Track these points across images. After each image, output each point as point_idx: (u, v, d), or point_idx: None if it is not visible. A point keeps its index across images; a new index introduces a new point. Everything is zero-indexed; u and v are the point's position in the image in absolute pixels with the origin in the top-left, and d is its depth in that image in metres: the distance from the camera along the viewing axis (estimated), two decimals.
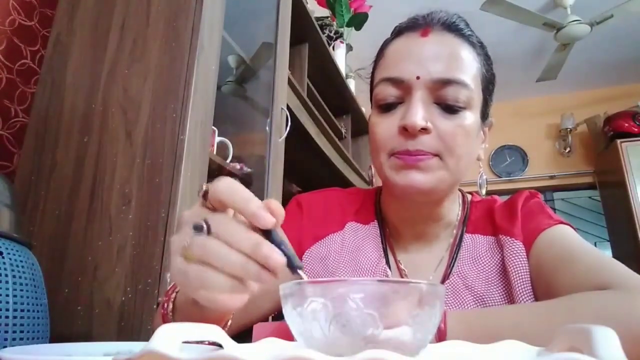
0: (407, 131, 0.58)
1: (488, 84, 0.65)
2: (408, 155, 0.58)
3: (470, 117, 0.60)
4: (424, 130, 0.58)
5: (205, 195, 0.36)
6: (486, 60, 0.65)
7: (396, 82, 0.60)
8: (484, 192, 0.72)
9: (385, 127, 0.61)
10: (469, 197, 0.74)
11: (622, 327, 0.32)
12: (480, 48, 0.64)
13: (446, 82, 0.58)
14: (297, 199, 0.77)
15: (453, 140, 0.58)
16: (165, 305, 0.50)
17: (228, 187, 0.34)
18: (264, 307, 0.66)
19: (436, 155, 0.59)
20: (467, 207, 0.72)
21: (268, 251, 0.32)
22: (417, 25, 0.63)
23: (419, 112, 0.57)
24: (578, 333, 0.28)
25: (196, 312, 0.43)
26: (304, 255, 0.71)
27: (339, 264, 0.69)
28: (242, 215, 0.34)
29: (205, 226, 0.34)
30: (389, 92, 0.61)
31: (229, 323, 0.50)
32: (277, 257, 0.32)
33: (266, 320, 0.69)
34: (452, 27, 0.63)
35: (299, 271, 0.35)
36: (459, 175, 0.62)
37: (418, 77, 0.59)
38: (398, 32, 0.66)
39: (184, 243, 0.35)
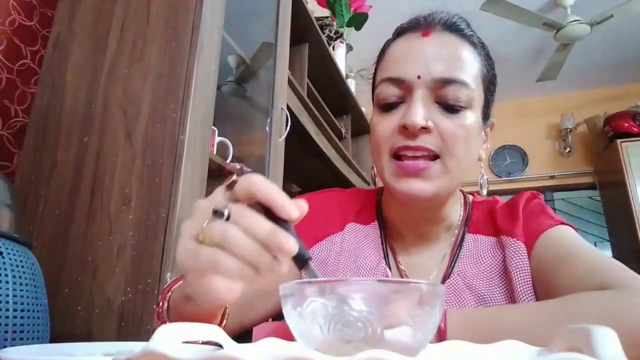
0: (407, 130, 0.58)
1: (489, 84, 0.65)
2: (408, 149, 0.58)
3: (471, 117, 0.60)
4: (425, 129, 0.58)
5: (230, 185, 0.37)
6: (487, 60, 0.65)
7: (397, 81, 0.60)
8: (484, 192, 0.72)
9: (386, 126, 0.61)
10: (470, 197, 0.74)
11: (622, 327, 0.32)
12: (481, 48, 0.64)
13: (447, 82, 0.58)
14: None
15: (453, 140, 0.58)
16: (161, 303, 0.50)
17: (261, 180, 0.36)
18: (265, 308, 0.66)
19: (436, 156, 0.59)
20: (469, 207, 0.72)
21: (283, 238, 0.34)
22: (418, 25, 0.64)
23: (420, 111, 0.58)
24: (578, 333, 0.28)
25: (189, 308, 0.44)
26: None
27: (338, 265, 0.69)
28: (270, 205, 0.35)
29: (226, 212, 0.35)
30: (390, 92, 0.61)
31: (223, 323, 0.50)
32: (291, 244, 0.34)
33: (266, 320, 0.69)
34: (453, 27, 0.63)
35: (310, 263, 0.36)
36: (460, 177, 0.62)
37: (419, 77, 0.59)
38: (399, 32, 0.66)
39: (198, 227, 0.36)
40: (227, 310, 0.50)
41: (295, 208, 0.35)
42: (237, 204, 0.36)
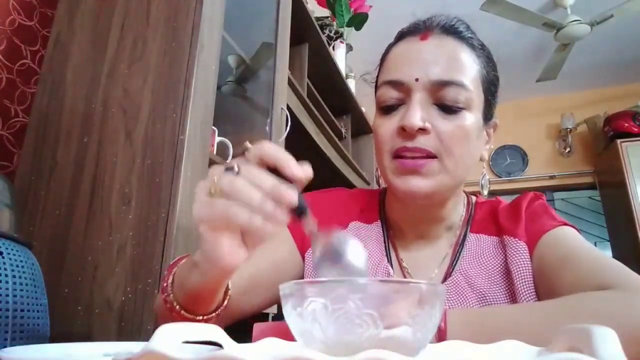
0: (405, 132, 0.59)
1: (489, 86, 0.65)
2: (406, 151, 0.60)
3: (470, 118, 0.61)
4: (423, 130, 0.59)
5: (243, 153, 0.41)
6: (487, 62, 0.66)
7: (396, 84, 0.62)
8: (485, 192, 0.73)
9: (386, 128, 0.62)
10: (474, 198, 0.74)
11: (622, 327, 0.32)
12: (480, 50, 0.65)
13: (444, 84, 0.60)
14: None
15: (451, 140, 0.59)
16: (167, 279, 0.52)
17: (272, 146, 0.40)
18: (265, 297, 0.68)
19: (435, 156, 0.60)
20: (472, 208, 0.72)
21: (284, 190, 0.38)
22: (417, 29, 0.65)
23: (417, 113, 0.59)
24: (578, 333, 0.28)
25: (194, 278, 0.46)
26: (306, 255, 0.72)
27: None
28: (276, 164, 0.39)
29: (236, 168, 0.39)
30: (390, 95, 0.63)
31: (225, 302, 0.52)
32: (291, 195, 0.38)
33: (266, 315, 0.71)
34: (451, 30, 0.64)
35: (308, 213, 0.39)
36: (460, 176, 0.63)
37: (417, 79, 0.60)
38: (399, 36, 0.68)
39: (211, 183, 0.39)
40: (229, 288, 0.53)
41: (300, 169, 0.39)
42: (246, 162, 0.40)
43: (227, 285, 0.53)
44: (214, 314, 0.52)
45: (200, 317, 0.51)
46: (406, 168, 0.60)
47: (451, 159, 0.60)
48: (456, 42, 0.63)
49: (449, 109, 0.60)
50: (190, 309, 0.50)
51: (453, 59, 0.61)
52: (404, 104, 0.62)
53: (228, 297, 0.53)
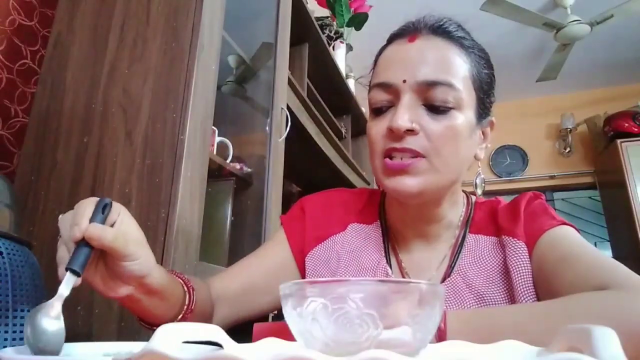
0: (394, 133, 0.60)
1: (482, 84, 0.65)
2: (395, 151, 0.60)
3: (460, 118, 0.61)
4: (410, 131, 0.59)
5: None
6: (479, 60, 0.65)
7: (385, 86, 0.62)
8: (479, 192, 0.72)
9: (377, 130, 0.63)
10: (474, 198, 0.74)
11: (621, 327, 0.32)
12: (471, 49, 0.65)
13: (431, 84, 0.60)
14: (301, 202, 0.79)
15: (440, 140, 0.59)
16: None
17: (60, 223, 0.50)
18: (264, 302, 0.70)
19: (423, 156, 0.60)
20: (471, 208, 0.72)
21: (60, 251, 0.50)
22: (406, 31, 0.65)
23: (405, 115, 0.59)
24: (578, 333, 0.28)
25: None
26: (306, 257, 0.72)
27: (339, 264, 0.70)
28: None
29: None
30: (380, 97, 0.63)
31: (182, 313, 0.57)
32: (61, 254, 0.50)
33: (266, 318, 0.71)
34: (439, 30, 0.64)
35: (67, 272, 0.50)
36: (451, 175, 0.63)
37: (404, 81, 0.60)
38: (390, 39, 0.68)
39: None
40: (192, 302, 0.57)
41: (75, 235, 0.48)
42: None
43: (190, 300, 0.57)
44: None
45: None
46: (393, 169, 0.60)
47: (440, 158, 0.60)
48: (444, 42, 0.63)
49: (437, 109, 0.60)
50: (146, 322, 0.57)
51: (440, 59, 0.61)
52: (394, 105, 0.62)
53: (185, 310, 0.57)
